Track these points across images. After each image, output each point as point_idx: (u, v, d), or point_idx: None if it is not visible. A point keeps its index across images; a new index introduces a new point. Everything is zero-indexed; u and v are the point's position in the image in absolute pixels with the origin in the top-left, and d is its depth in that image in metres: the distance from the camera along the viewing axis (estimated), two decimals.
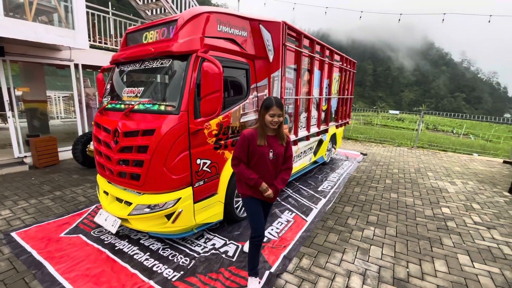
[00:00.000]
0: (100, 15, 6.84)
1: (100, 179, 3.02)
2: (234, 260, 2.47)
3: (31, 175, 4.82)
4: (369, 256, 2.62)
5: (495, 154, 8.62)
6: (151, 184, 2.44)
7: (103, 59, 6.38)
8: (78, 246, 2.64)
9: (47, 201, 3.72)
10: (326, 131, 5.49)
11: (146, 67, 2.75)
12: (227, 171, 2.91)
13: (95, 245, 2.67)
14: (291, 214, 3.44)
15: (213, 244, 2.71)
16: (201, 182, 2.65)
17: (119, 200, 2.76)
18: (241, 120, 3.06)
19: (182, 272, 2.28)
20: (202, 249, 2.62)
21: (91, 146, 4.97)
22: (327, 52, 5.01)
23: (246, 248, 2.60)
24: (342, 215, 3.53)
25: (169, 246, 2.69)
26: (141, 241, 2.76)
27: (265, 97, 3.42)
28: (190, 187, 2.55)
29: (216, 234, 2.90)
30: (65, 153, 5.96)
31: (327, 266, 2.43)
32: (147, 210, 2.49)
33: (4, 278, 2.19)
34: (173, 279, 2.19)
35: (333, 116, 6.02)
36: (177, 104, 2.40)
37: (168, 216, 2.53)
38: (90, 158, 5.23)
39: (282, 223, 3.20)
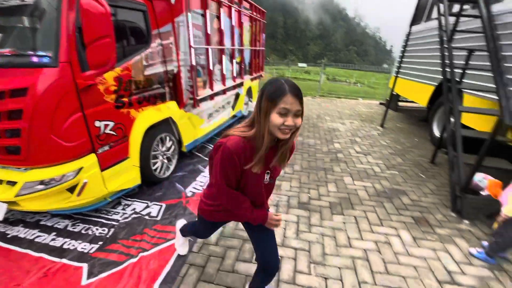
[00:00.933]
0: None
1: None
2: (158, 219, 2.46)
3: None
4: (280, 189, 3.07)
5: (374, 98, 10.82)
6: (37, 156, 2.01)
7: None
8: None
9: None
10: (241, 84, 5.55)
11: None
12: (137, 131, 2.67)
13: None
14: None
15: (134, 209, 2.60)
16: (106, 147, 2.36)
17: None
18: (146, 73, 2.73)
19: (100, 243, 2.14)
20: (121, 216, 2.48)
21: None
22: None
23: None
24: None
25: (80, 220, 2.42)
26: (42, 222, 2.37)
27: (170, 46, 3.11)
28: (93, 154, 2.25)
29: (136, 199, 2.76)
30: None
31: None
32: (41, 187, 2.10)
33: None
34: (91, 251, 2.05)
35: (247, 69, 6.07)
36: (54, 54, 1.91)
37: (71, 189, 2.21)
38: None
39: (205, 176, 3.29)
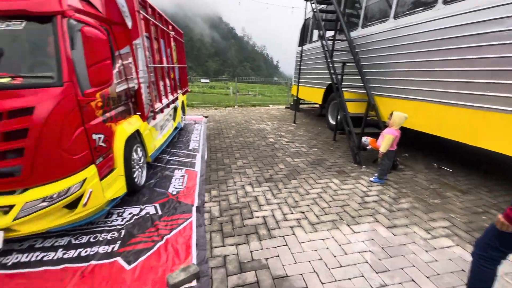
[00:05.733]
0: None
1: None
2: (161, 214, 2.79)
3: None
4: (247, 174, 3.86)
5: (279, 104, 13.01)
6: (42, 173, 2.09)
7: None
8: None
9: None
10: (177, 98, 5.98)
11: None
12: (119, 143, 2.89)
13: None
14: (181, 170, 3.97)
15: (131, 213, 2.80)
16: (101, 159, 2.56)
17: None
18: (117, 90, 3.00)
19: (119, 242, 2.34)
20: (122, 221, 2.67)
21: None
22: (164, 22, 5.27)
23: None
24: (218, 159, 4.55)
25: (80, 233, 2.47)
26: (37, 245, 2.29)
27: (130, 65, 3.41)
28: (93, 165, 2.42)
29: (126, 207, 2.93)
30: None
31: (229, 188, 3.41)
32: (44, 204, 2.14)
33: None
34: (115, 249, 2.25)
35: (178, 84, 6.53)
36: (57, 75, 2.09)
37: (70, 205, 2.30)
38: None
39: (179, 178, 3.69)
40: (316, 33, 7.53)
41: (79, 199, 2.31)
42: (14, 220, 2.05)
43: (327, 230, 2.55)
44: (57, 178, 2.16)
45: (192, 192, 3.28)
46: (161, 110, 4.40)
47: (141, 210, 2.88)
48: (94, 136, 2.44)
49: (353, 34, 5.44)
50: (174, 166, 4.13)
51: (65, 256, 2.17)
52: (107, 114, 2.71)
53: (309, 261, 2.14)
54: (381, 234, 2.50)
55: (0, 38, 2.03)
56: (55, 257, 2.16)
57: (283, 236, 2.45)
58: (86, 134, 2.32)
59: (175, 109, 5.82)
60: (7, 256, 2.16)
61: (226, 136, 6.20)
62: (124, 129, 3.02)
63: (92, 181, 2.39)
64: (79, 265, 2.07)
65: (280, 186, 3.47)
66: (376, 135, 4.13)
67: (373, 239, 2.43)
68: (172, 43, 6.02)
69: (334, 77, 5.10)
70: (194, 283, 1.91)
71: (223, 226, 2.60)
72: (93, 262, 2.10)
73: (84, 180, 2.31)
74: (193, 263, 2.06)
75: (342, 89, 5.33)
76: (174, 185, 3.50)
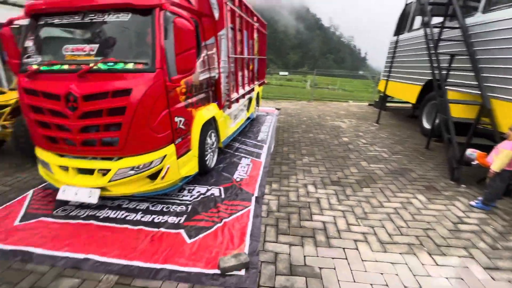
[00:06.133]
0: None
1: (47, 155, 2.64)
2: (223, 197, 2.94)
3: None
4: (312, 173, 3.65)
5: (361, 100, 11.83)
6: (133, 146, 2.45)
7: None
8: (52, 227, 2.41)
9: None
10: (253, 89, 6.15)
11: (94, 20, 2.45)
12: (196, 127, 3.14)
13: (72, 221, 2.50)
14: (247, 159, 4.08)
15: (199, 191, 3.06)
16: (180, 139, 2.83)
17: (85, 171, 2.59)
18: (200, 78, 3.24)
19: (185, 216, 2.59)
20: (191, 197, 2.93)
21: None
22: (250, 13, 5.40)
23: None
24: (284, 153, 4.47)
25: (157, 202, 2.84)
26: (124, 206, 2.76)
27: (213, 56, 3.65)
28: (173, 144, 2.71)
29: (196, 185, 3.22)
30: None
31: (290, 184, 3.29)
32: (132, 172, 2.52)
33: None
34: (181, 222, 2.49)
35: (256, 75, 6.69)
36: (151, 62, 2.38)
37: (152, 176, 2.64)
38: None
39: (244, 167, 3.81)
40: (417, 20, 6.35)
41: (158, 172, 2.64)
42: (109, 182, 2.50)
43: (400, 253, 2.15)
44: (143, 152, 2.51)
45: (254, 181, 3.32)
46: (237, 100, 4.58)
47: (207, 190, 3.10)
48: (176, 119, 2.71)
49: (469, 20, 4.30)
50: (242, 155, 4.28)
51: (142, 219, 2.54)
52: (189, 100, 2.97)
53: (371, 284, 1.85)
54: (474, 275, 1.94)
55: (111, 27, 2.46)
56: (134, 218, 2.55)
57: (344, 248, 2.19)
58: (170, 116, 2.60)
59: (250, 100, 6.00)
60: (100, 210, 2.68)
61: (296, 130, 6.03)
62: (202, 115, 3.27)
63: (171, 158, 2.69)
64: (151, 229, 2.39)
65: (349, 192, 3.13)
66: (486, 149, 3.21)
67: (462, 279, 1.91)
68: (255, 35, 6.15)
69: (437, 72, 4.20)
70: (242, 272, 1.92)
71: (279, 222, 2.52)
72: (162, 229, 2.38)
73: (164, 156, 2.62)
74: (244, 252, 2.08)
75: (446, 87, 4.35)
76: (239, 172, 3.62)
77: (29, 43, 2.59)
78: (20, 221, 2.51)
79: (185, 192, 3.05)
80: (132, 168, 2.52)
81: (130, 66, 2.38)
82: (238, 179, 3.39)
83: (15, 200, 2.86)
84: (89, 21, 2.45)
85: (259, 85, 7.14)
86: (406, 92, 6.71)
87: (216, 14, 3.50)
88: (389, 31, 8.06)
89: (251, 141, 5.06)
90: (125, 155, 2.49)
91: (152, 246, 2.19)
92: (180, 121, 2.80)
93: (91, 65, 2.32)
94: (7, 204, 2.78)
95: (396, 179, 3.49)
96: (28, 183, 3.24)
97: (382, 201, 2.93)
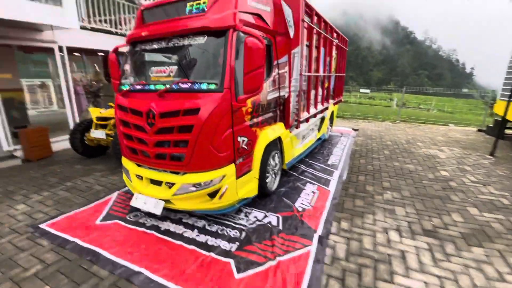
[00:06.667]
0: None
1: (129, 164, 2.94)
2: (281, 228, 2.63)
3: (28, 169, 4.49)
4: (396, 214, 2.92)
5: (467, 124, 9.56)
6: (196, 163, 2.46)
7: (92, 40, 5.85)
8: (122, 231, 2.62)
9: (62, 192, 3.54)
10: (327, 108, 5.70)
11: (176, 44, 2.65)
12: (259, 148, 2.98)
13: (138, 228, 2.66)
14: (313, 186, 3.65)
15: (255, 217, 2.84)
16: (241, 159, 2.71)
17: (155, 182, 2.74)
18: (268, 98, 3.11)
19: (237, 243, 2.39)
20: (247, 222, 2.74)
21: (91, 133, 4.70)
22: (329, 29, 5.10)
23: None
24: (359, 183, 3.82)
25: (213, 221, 2.76)
26: (184, 220, 2.80)
27: (285, 74, 3.49)
28: (233, 164, 2.61)
29: (253, 208, 3.02)
30: (57, 144, 5.57)
31: (365, 226, 2.69)
32: (193, 189, 2.52)
33: (59, 268, 2.14)
34: (232, 250, 2.30)
35: (332, 93, 6.23)
36: (220, 82, 2.38)
37: (212, 194, 2.58)
38: (90, 147, 4.97)
39: (309, 194, 3.40)
40: None
41: (217, 191, 2.57)
42: (173, 195, 2.57)
43: None
44: (205, 169, 2.49)
45: (319, 214, 2.88)
46: (307, 120, 4.27)
47: (265, 216, 2.85)
48: (239, 139, 2.62)
49: None
50: (307, 179, 3.88)
51: (197, 238, 2.48)
52: (255, 120, 2.86)
53: None
54: None
55: (189, 50, 2.60)
56: (190, 236, 2.51)
57: None
58: (233, 136, 2.53)
59: (323, 119, 5.56)
60: (163, 221, 2.77)
61: (376, 156, 5.19)
62: (267, 135, 3.10)
63: (230, 179, 2.58)
64: (202, 252, 2.28)
65: (449, 249, 2.32)
66: None
67: None
68: (334, 52, 5.78)
69: None
70: None
71: (346, 276, 2.01)
72: (212, 255, 2.24)
73: (223, 176, 2.53)
74: None
75: None
76: (302, 200, 3.24)
77: (126, 67, 3.02)
78: (101, 220, 2.83)
79: (242, 215, 2.88)
80: (194, 185, 2.52)
81: (202, 86, 2.43)
82: (300, 209, 3.02)
83: (103, 199, 3.30)
84: (172, 45, 2.67)
85: (335, 103, 6.62)
86: None
87: (291, 32, 3.37)
88: (502, 39, 6.27)
89: (320, 164, 4.59)
90: (189, 171, 2.53)
91: (199, 272, 2.05)
92: (243, 140, 2.70)
93: (167, 86, 2.49)
94: (96, 202, 3.22)
95: None
96: (116, 186, 3.74)
97: (502, 272, 2.01)
